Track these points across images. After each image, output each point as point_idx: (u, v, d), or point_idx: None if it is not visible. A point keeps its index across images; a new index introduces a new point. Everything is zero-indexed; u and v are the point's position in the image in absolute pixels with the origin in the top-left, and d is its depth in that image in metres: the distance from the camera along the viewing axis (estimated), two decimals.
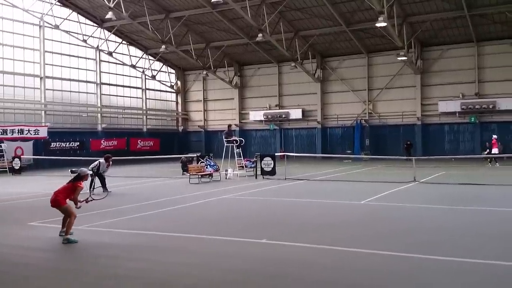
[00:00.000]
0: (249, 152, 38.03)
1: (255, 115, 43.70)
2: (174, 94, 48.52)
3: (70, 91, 38.04)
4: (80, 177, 9.74)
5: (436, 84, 37.95)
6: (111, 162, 18.36)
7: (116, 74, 42.26)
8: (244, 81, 45.49)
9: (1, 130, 30.75)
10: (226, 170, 23.21)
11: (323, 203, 14.46)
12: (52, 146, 34.83)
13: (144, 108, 45.09)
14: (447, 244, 8.79)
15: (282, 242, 8.95)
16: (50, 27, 36.17)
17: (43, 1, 34.98)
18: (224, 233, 10.01)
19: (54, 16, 35.78)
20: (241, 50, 42.20)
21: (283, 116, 42.46)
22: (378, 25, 28.66)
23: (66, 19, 36.75)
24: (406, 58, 34.58)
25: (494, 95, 35.88)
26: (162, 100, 47.32)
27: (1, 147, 29.67)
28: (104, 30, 39.37)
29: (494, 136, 29.29)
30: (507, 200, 14.08)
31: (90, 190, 15.66)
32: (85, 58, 39.44)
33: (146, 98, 45.21)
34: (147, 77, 44.94)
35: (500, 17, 32.78)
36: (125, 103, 43.21)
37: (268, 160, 23.15)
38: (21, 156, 29.76)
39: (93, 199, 10.29)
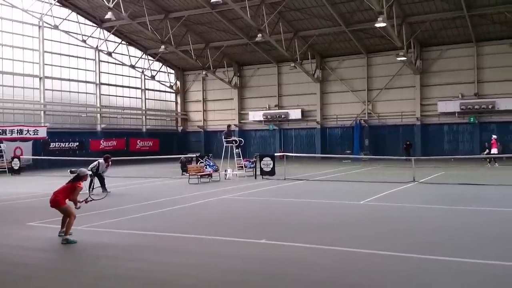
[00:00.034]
0: (249, 152, 38.07)
1: (255, 115, 43.68)
2: (174, 94, 48.50)
3: (70, 91, 38.04)
4: (79, 178, 9.75)
5: (435, 84, 37.95)
6: (110, 163, 18.38)
7: (116, 74, 42.23)
8: (243, 81, 45.47)
9: (1, 130, 30.73)
10: (226, 170, 23.20)
11: (323, 203, 14.45)
12: (51, 146, 34.81)
13: (144, 108, 45.07)
14: (446, 244, 8.78)
15: (281, 243, 8.94)
16: (49, 27, 36.14)
17: (43, 1, 34.94)
18: (224, 233, 10.00)
19: (54, 16, 35.77)
20: (240, 50, 42.19)
21: (283, 116, 42.45)
22: (377, 25, 28.64)
23: (65, 19, 36.73)
24: (405, 58, 34.60)
25: (493, 95, 35.90)
26: (161, 100, 47.29)
27: (0, 147, 29.65)
28: (104, 30, 39.36)
29: (494, 136, 29.26)
30: (506, 200, 14.06)
31: (89, 190, 15.69)
32: (85, 58, 39.42)
33: (145, 98, 45.20)
34: (146, 77, 44.93)
35: (500, 17, 32.79)
36: (125, 103, 43.19)
37: (267, 160, 23.13)
38: (20, 156, 29.73)
39: (93, 200, 10.28)
